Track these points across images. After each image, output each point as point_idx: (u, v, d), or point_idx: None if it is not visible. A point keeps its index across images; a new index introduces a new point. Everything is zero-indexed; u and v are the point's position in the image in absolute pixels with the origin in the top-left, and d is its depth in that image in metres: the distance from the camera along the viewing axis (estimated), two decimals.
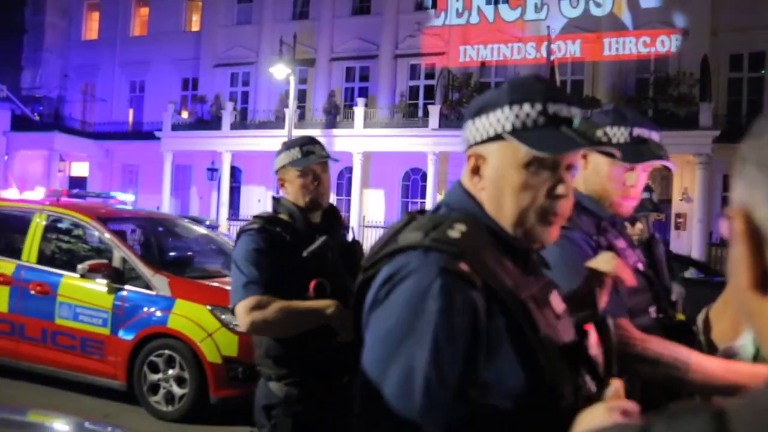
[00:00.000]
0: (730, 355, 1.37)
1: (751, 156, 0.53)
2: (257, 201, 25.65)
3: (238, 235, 2.37)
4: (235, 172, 25.42)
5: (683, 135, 17.75)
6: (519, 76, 1.28)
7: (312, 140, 2.46)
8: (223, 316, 5.10)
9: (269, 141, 23.26)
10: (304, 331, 2.24)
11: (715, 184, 19.35)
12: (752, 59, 20.70)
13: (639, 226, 2.78)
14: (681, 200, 19.92)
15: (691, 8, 20.51)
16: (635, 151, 1.51)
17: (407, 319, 1.00)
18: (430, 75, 23.95)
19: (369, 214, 22.67)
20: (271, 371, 2.29)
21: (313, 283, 2.26)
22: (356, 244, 2.54)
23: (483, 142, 1.14)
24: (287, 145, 2.46)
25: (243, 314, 2.21)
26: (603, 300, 1.24)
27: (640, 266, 1.97)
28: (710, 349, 1.48)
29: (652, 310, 1.71)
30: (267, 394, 2.29)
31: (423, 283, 1.00)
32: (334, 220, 2.49)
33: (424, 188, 22.92)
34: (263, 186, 25.80)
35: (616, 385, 1.05)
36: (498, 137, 1.11)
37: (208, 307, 5.20)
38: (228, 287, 5.78)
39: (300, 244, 2.30)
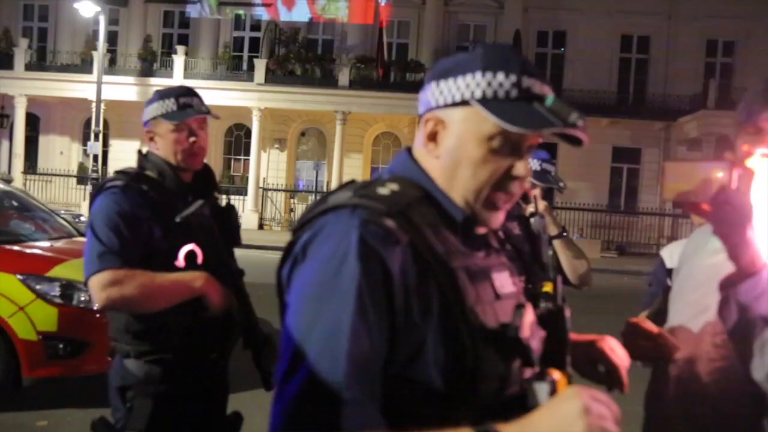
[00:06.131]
0: None
1: None
2: (60, 153, 23.40)
3: (96, 193, 2.10)
4: (32, 120, 22.67)
5: None
6: (492, 43, 1.16)
7: (190, 91, 2.20)
8: (38, 287, 4.49)
9: (74, 86, 21.30)
10: (171, 305, 2.04)
11: None
12: (556, 37, 22.70)
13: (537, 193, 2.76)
14: None
15: None
16: None
17: (329, 276, 0.93)
18: (256, 27, 23.07)
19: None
20: (130, 347, 2.07)
21: (184, 252, 2.05)
22: (231, 209, 2.32)
23: (446, 106, 1.04)
24: (161, 95, 2.18)
25: (97, 290, 1.96)
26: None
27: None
28: None
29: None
30: (122, 373, 2.08)
31: (344, 238, 0.94)
32: (209, 182, 2.26)
33: (248, 145, 22.25)
34: (67, 137, 23.57)
35: (555, 376, 1.00)
36: (464, 103, 1.03)
37: (19, 277, 4.52)
38: (43, 252, 5.15)
39: (170, 206, 2.07)
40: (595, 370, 1.26)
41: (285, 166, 23.12)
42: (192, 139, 2.15)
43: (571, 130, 0.99)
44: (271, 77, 21.13)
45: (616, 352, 1.23)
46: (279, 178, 22.71)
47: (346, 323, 0.90)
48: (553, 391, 0.98)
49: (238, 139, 23.50)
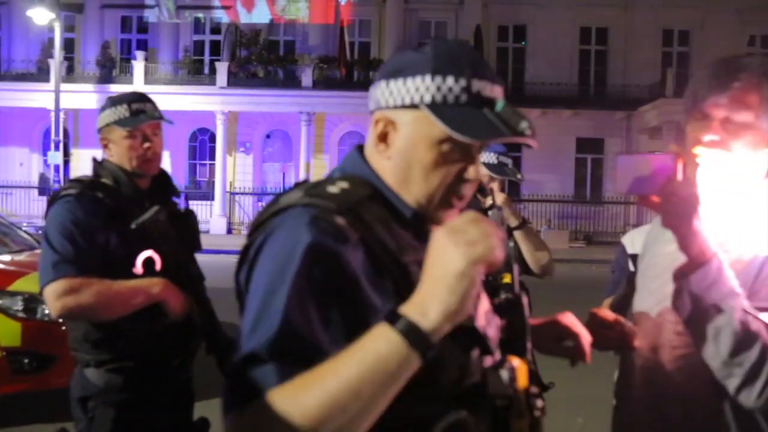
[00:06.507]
0: None
1: None
2: (19, 165, 22.83)
3: (51, 202, 2.07)
4: None
5: None
6: (443, 39, 1.14)
7: (143, 97, 2.18)
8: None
9: (30, 95, 20.84)
10: (129, 312, 2.02)
11: None
12: (516, 31, 22.93)
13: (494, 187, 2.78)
14: None
15: None
16: None
17: (275, 275, 0.94)
18: (216, 30, 22.82)
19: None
20: (90, 357, 2.05)
21: (142, 259, 2.03)
22: (190, 214, 2.29)
23: (396, 107, 1.04)
24: (113, 101, 2.16)
25: (53, 299, 1.95)
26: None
27: None
28: None
29: None
30: (83, 383, 2.06)
31: (293, 237, 0.95)
32: (166, 187, 2.24)
33: (213, 149, 22.00)
34: (26, 147, 23.02)
35: (514, 363, 1.01)
36: (414, 106, 1.01)
37: None
38: (4, 266, 5.02)
39: (126, 213, 2.05)
40: (560, 346, 1.31)
41: (251, 169, 22.93)
42: (146, 144, 2.13)
43: (520, 139, 0.98)
44: (234, 80, 20.92)
45: (576, 326, 1.26)
46: (246, 181, 22.52)
47: (282, 304, 0.91)
48: (512, 378, 1.00)
49: (202, 144, 23.23)
